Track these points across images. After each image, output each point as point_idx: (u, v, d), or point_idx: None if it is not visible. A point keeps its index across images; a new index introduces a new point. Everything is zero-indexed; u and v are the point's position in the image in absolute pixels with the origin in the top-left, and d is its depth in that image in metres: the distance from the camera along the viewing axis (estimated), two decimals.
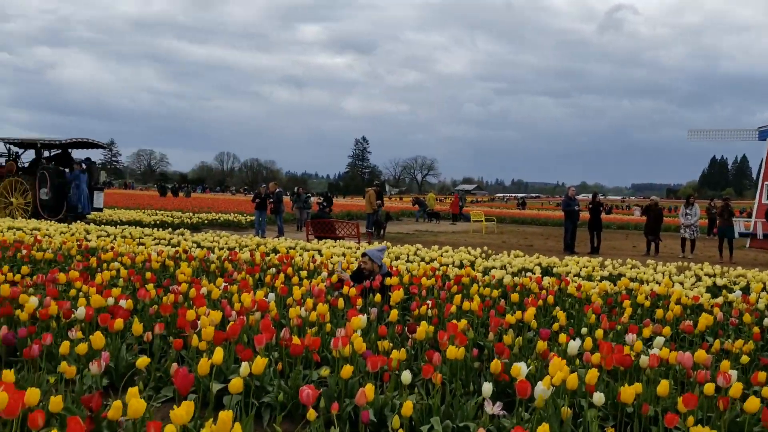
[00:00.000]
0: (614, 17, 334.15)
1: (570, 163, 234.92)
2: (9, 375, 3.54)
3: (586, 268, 10.60)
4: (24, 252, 9.31)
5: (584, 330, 5.86)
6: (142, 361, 4.18)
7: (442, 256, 11.61)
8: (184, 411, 3.04)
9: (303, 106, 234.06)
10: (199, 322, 4.96)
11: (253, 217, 21.52)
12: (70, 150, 21.24)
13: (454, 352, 4.48)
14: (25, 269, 7.65)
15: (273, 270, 8.55)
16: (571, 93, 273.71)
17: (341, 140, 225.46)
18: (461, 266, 10.60)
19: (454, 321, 5.41)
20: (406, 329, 5.35)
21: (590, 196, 21.05)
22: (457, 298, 6.44)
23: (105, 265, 8.47)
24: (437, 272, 8.99)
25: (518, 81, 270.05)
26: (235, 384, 3.71)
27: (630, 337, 5.18)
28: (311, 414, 3.59)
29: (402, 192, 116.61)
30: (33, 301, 5.41)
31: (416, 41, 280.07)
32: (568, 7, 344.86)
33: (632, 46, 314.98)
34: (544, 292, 7.58)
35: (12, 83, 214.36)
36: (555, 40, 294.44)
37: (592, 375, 4.03)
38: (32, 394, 3.28)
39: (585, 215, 20.41)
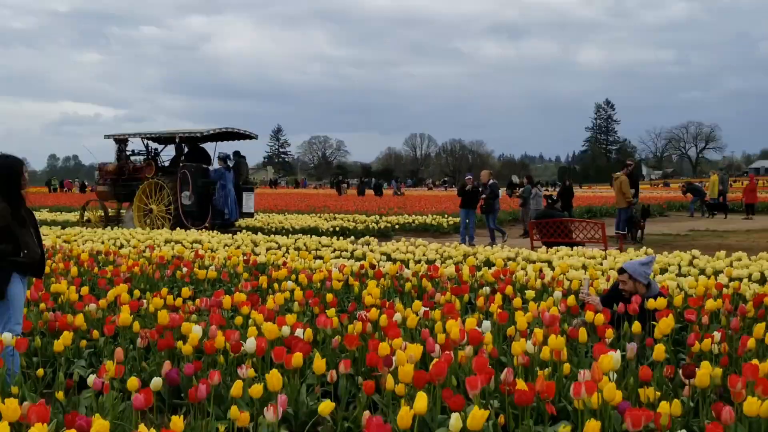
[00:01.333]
0: None
1: None
2: (178, 422, 3.98)
3: None
4: (184, 270, 10.36)
5: None
6: (326, 406, 4.48)
7: (732, 266, 11.00)
8: None
9: (520, 63, 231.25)
10: (393, 359, 5.19)
11: (458, 219, 21.87)
12: (214, 142, 22.66)
13: (755, 405, 4.27)
14: (186, 291, 8.52)
15: (487, 290, 8.67)
16: None
17: (575, 108, 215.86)
18: (763, 282, 9.96)
19: (755, 361, 5.12)
20: (681, 372, 5.18)
21: None
22: (759, 327, 6.13)
23: (276, 285, 9.15)
24: (725, 290, 8.54)
25: None
26: None
27: None
28: None
29: (668, 176, 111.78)
30: (196, 330, 6.02)
31: None
32: None
33: None
34: None
35: (163, 64, 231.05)
36: None
37: None
38: None
39: None
